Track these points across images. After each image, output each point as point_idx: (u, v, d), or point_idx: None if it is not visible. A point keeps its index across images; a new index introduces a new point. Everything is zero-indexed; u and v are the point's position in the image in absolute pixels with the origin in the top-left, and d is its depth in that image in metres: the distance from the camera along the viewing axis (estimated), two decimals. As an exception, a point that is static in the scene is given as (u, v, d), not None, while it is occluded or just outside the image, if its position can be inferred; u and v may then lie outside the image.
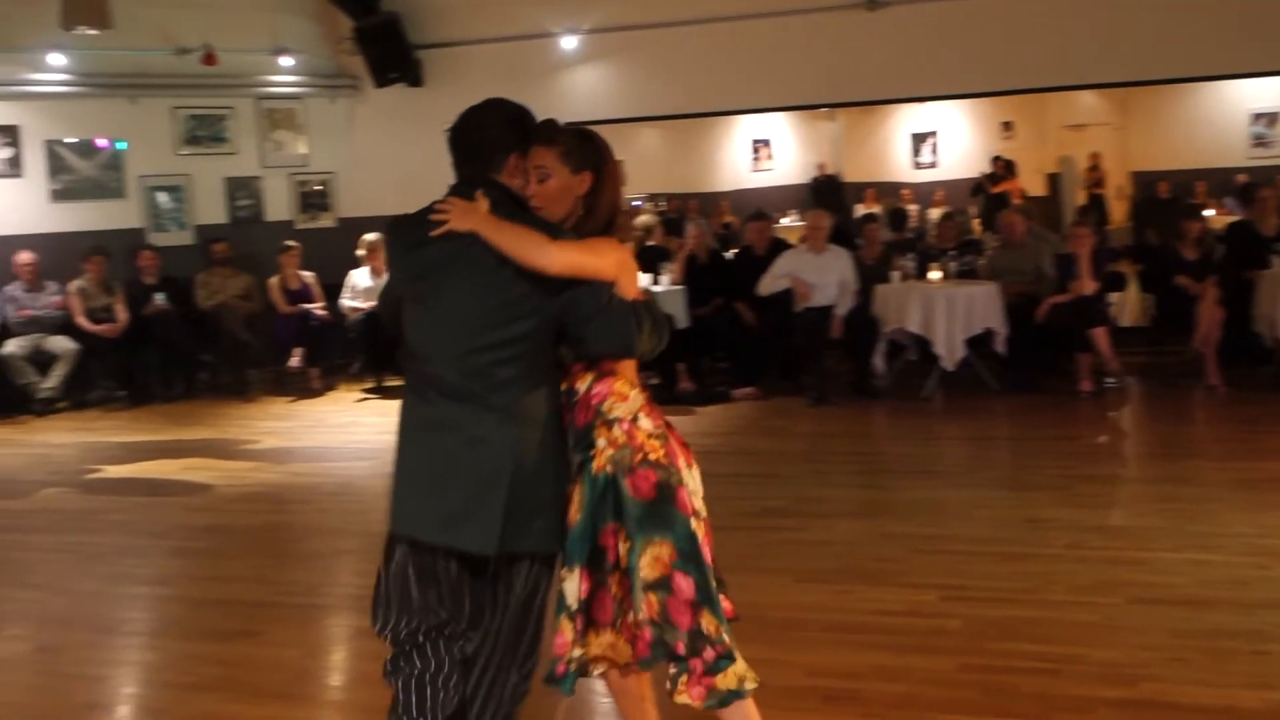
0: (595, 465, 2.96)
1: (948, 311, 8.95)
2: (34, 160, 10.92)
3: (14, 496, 7.48)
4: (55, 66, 10.68)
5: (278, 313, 10.94)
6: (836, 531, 5.87)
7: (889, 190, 18.07)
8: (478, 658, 3.08)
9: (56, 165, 11.03)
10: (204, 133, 11.67)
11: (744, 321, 9.69)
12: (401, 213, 3.10)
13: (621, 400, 2.98)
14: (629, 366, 3.03)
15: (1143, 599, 4.67)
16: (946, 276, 9.45)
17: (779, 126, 19.09)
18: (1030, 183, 17.11)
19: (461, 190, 2.97)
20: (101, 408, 10.39)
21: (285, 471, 7.87)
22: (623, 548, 2.95)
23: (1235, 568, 5.01)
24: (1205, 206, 13.44)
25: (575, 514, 2.98)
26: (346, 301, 10.77)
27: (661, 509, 2.93)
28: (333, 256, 11.19)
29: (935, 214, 14.96)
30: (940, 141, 19.35)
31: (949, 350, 8.97)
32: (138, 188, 11.40)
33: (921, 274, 9.60)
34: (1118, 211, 17.41)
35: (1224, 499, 6.12)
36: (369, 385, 10.76)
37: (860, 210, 16.69)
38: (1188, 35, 9.70)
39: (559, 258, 2.83)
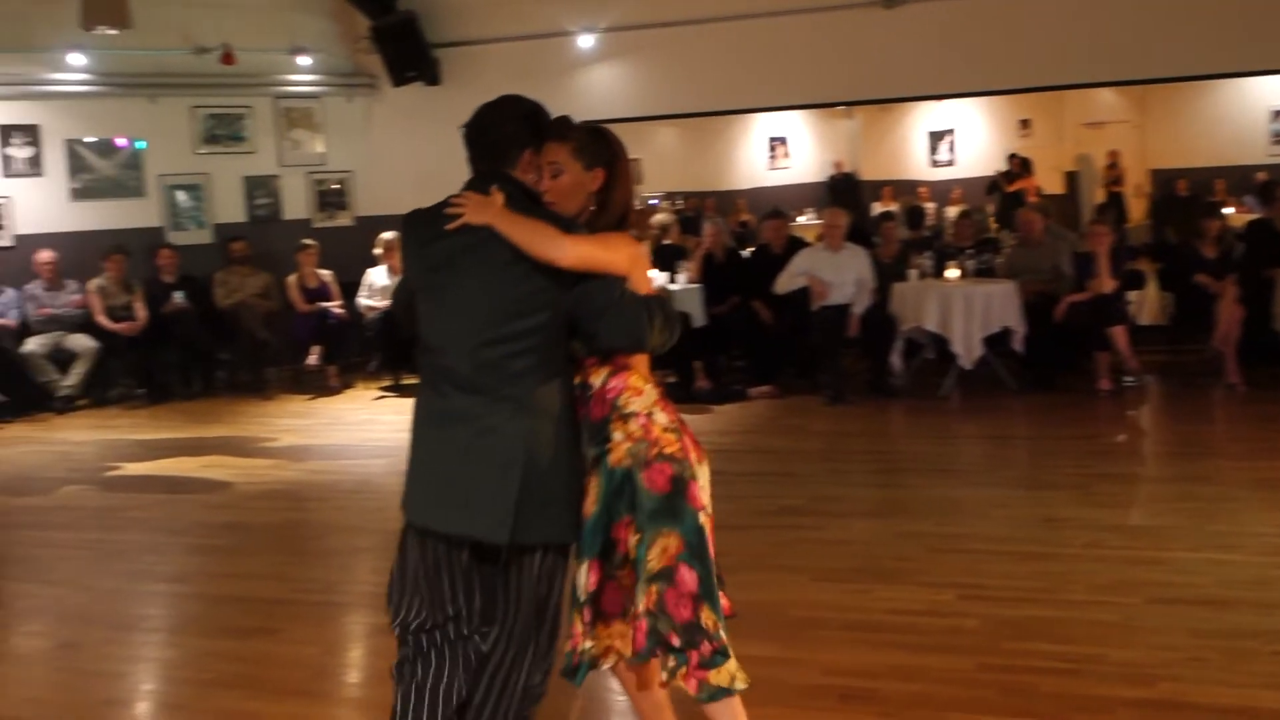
0: (612, 458, 2.99)
1: (965, 310, 8.92)
2: (54, 159, 10.98)
3: (35, 493, 7.53)
4: (75, 66, 10.74)
5: (296, 311, 10.99)
6: (853, 530, 5.86)
7: (906, 188, 18.02)
8: (491, 655, 3.07)
9: (76, 164, 11.09)
10: (222, 132, 11.72)
11: (761, 320, 9.68)
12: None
13: (637, 395, 3.01)
14: (642, 361, 3.06)
15: (1162, 599, 4.65)
16: (964, 275, 9.42)
17: (796, 124, 19.06)
18: (1048, 181, 17.04)
19: (476, 185, 3.01)
20: (121, 405, 10.45)
21: (303, 469, 7.90)
22: (632, 540, 2.97)
23: (1255, 567, 4.98)
24: (1224, 204, 13.37)
25: (590, 506, 3.00)
26: (363, 300, 10.80)
27: (674, 502, 2.97)
28: (350, 255, 11.23)
29: (952, 212, 14.93)
30: (957, 139, 19.29)
31: (966, 349, 8.95)
32: (157, 187, 11.45)
33: (939, 272, 9.57)
34: (1136, 209, 17.33)
35: (1244, 498, 6.09)
36: (386, 383, 10.79)
37: (877, 208, 16.67)
38: (1207, 32, 9.64)
39: (572, 251, 2.87)
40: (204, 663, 4.56)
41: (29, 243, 10.64)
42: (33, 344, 10.15)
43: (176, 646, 4.84)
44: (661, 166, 17.04)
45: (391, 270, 10.60)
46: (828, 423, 8.65)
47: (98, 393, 10.55)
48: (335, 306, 10.98)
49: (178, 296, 10.69)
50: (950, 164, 19.30)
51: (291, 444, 8.66)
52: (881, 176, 18.63)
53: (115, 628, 5.02)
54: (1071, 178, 17.66)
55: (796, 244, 10.06)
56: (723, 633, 3.01)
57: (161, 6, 10.40)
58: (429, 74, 11.76)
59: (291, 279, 11.04)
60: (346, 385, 10.86)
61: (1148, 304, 10.50)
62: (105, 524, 6.74)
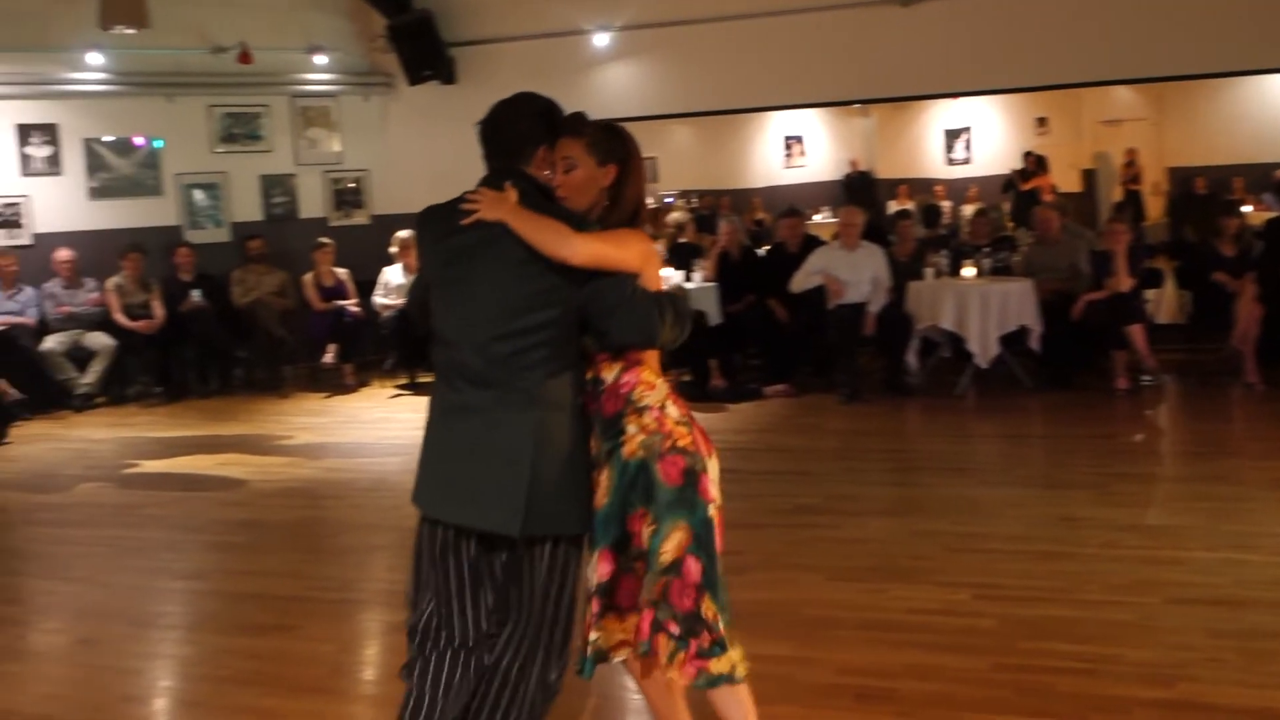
0: (626, 451, 3.02)
1: (981, 308, 8.90)
2: (72, 158, 11.03)
3: (53, 491, 7.57)
4: (94, 65, 10.79)
5: (312, 309, 11.02)
6: (869, 529, 5.85)
7: (922, 186, 17.97)
8: (504, 654, 3.08)
9: (95, 163, 11.15)
10: (239, 131, 11.76)
11: (776, 318, 9.67)
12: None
13: (650, 389, 3.05)
14: (653, 356, 3.11)
15: (1180, 599, 4.63)
16: (980, 273, 9.39)
17: (811, 123, 19.04)
18: (1065, 179, 16.97)
19: (491, 181, 3.05)
20: (139, 403, 10.50)
21: (319, 467, 7.92)
22: (647, 531, 3.00)
23: (1273, 567, 4.96)
24: (1243, 202, 13.30)
25: (602, 498, 3.04)
26: (379, 299, 10.82)
27: (686, 494, 3.02)
28: (366, 253, 11.26)
29: (969, 210, 14.89)
30: (974, 138, 19.23)
31: (983, 347, 8.92)
32: (174, 185, 11.50)
33: (955, 271, 9.54)
34: (1154, 207, 17.25)
35: (1262, 498, 6.06)
36: (402, 381, 10.82)
37: (893, 207, 16.63)
38: (1225, 30, 9.58)
39: (582, 249, 2.90)
40: (221, 659, 4.59)
41: (47, 241, 10.70)
42: (51, 342, 10.21)
43: (193, 643, 4.86)
44: (677, 165, 17.05)
45: (407, 269, 10.61)
46: (843, 421, 8.63)
47: (115, 390, 10.60)
48: (351, 305, 11.01)
49: (195, 295, 10.73)
50: (966, 162, 19.24)
51: (308, 442, 8.68)
52: (897, 175, 18.58)
53: (133, 624, 5.04)
54: (1089, 176, 17.59)
55: (812, 242, 10.04)
56: (722, 625, 3.03)
57: (179, 6, 10.44)
58: (445, 73, 11.78)
59: (308, 277, 11.07)
60: (362, 383, 10.89)
61: (1165, 302, 10.45)
62: (123, 521, 6.78)
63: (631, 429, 3.02)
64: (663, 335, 3.01)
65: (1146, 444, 7.80)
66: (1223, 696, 3.75)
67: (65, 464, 8.30)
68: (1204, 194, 15.40)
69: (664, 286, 3.13)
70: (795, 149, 19.12)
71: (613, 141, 3.10)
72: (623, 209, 3.09)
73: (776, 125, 18.76)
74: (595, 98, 10.67)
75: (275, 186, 11.96)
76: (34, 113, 10.83)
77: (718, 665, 3.02)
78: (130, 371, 10.68)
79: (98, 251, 10.68)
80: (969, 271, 9.38)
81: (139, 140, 11.32)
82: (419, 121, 12.00)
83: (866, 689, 3.93)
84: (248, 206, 11.82)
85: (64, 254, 10.50)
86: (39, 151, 10.89)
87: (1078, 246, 9.54)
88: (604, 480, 3.04)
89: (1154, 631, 4.32)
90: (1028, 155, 16.56)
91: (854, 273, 9.24)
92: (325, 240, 11.22)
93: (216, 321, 10.77)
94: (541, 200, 3.02)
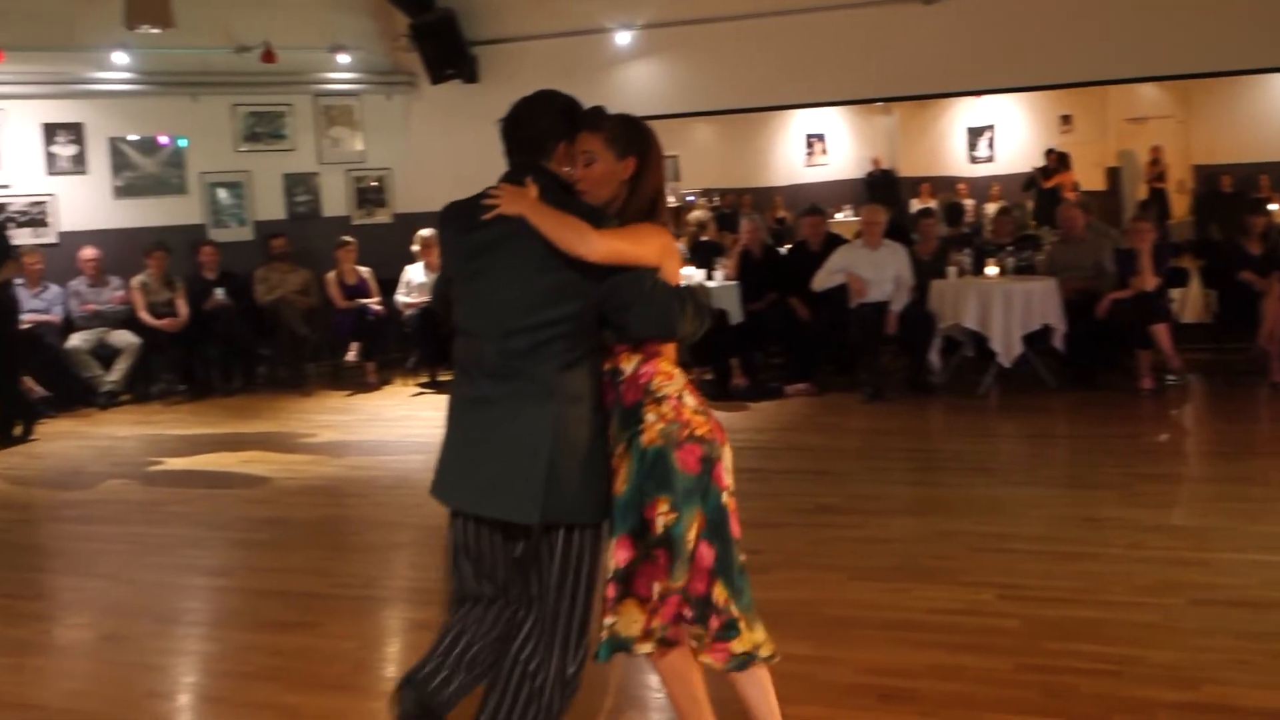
0: (645, 439, 3.06)
1: (1005, 307, 8.86)
2: (98, 157, 11.10)
3: (79, 488, 7.63)
4: (119, 65, 10.85)
5: (335, 307, 11.07)
6: (892, 529, 5.83)
7: (945, 185, 17.91)
8: (524, 646, 3.11)
9: (120, 162, 11.22)
10: (263, 130, 11.82)
11: (798, 317, 9.65)
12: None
13: (668, 379, 3.11)
14: (671, 348, 3.16)
15: (1205, 600, 4.60)
16: (1003, 272, 9.35)
17: (833, 121, 18.99)
18: (1090, 177, 16.88)
19: (513, 177, 3.10)
20: (163, 401, 10.56)
21: (342, 465, 7.95)
22: (668, 518, 3.04)
23: (1301, 569, 4.92)
24: (1270, 200, 13.18)
25: (621, 485, 3.08)
26: (402, 297, 10.85)
27: (703, 482, 3.07)
28: (389, 252, 11.30)
29: (992, 209, 14.83)
30: (997, 136, 19.15)
31: (1006, 347, 8.88)
32: (199, 184, 11.56)
33: (978, 269, 9.51)
34: (1179, 206, 17.14)
35: (1289, 499, 6.01)
36: (424, 380, 10.85)
37: (916, 205, 16.58)
38: (1251, 26, 9.51)
39: (599, 246, 2.94)
40: (244, 656, 4.61)
41: (73, 240, 10.77)
42: (76, 340, 10.28)
43: (217, 640, 4.88)
44: (699, 163, 17.05)
45: (429, 267, 10.64)
46: (865, 420, 8.61)
47: (140, 388, 10.67)
48: (374, 303, 11.05)
49: (219, 293, 10.78)
50: (990, 160, 19.16)
51: (330, 440, 8.72)
52: (920, 173, 18.53)
53: (157, 620, 5.07)
54: (1113, 174, 17.49)
55: (834, 241, 10.02)
56: (734, 608, 3.10)
57: (203, 5, 10.50)
58: (467, 71, 11.80)
59: (331, 276, 11.12)
60: (385, 381, 10.92)
61: (1191, 301, 10.38)
62: (147, 518, 6.82)
63: (650, 417, 3.07)
64: (682, 328, 3.06)
65: (1171, 444, 7.74)
66: (1248, 699, 3.72)
67: (90, 461, 8.36)
68: (1230, 192, 15.29)
69: (683, 280, 3.17)
70: (817, 147, 19.09)
71: (631, 134, 3.14)
72: (640, 200, 3.13)
73: (798, 123, 18.73)
74: (617, 96, 10.66)
75: (298, 185, 12.01)
76: (60, 112, 10.91)
77: (739, 646, 3.11)
78: (154, 369, 10.74)
79: (123, 250, 10.75)
80: (992, 270, 9.34)
81: (164, 139, 11.39)
82: (441, 120, 12.03)
83: (889, 689, 3.92)
84: (271, 205, 11.87)
85: (89, 252, 10.57)
86: (65, 150, 10.97)
87: (1102, 245, 9.48)
88: (623, 468, 3.08)
89: (1179, 633, 4.28)
90: (1049, 153, 16.48)
91: (876, 271, 9.22)
92: (348, 239, 11.27)
93: (240, 320, 10.82)
94: (562, 195, 3.06)
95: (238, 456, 8.21)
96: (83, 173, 11.04)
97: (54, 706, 4.23)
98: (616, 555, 3.06)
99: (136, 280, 10.62)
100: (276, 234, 11.36)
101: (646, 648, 3.09)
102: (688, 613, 3.07)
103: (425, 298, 10.47)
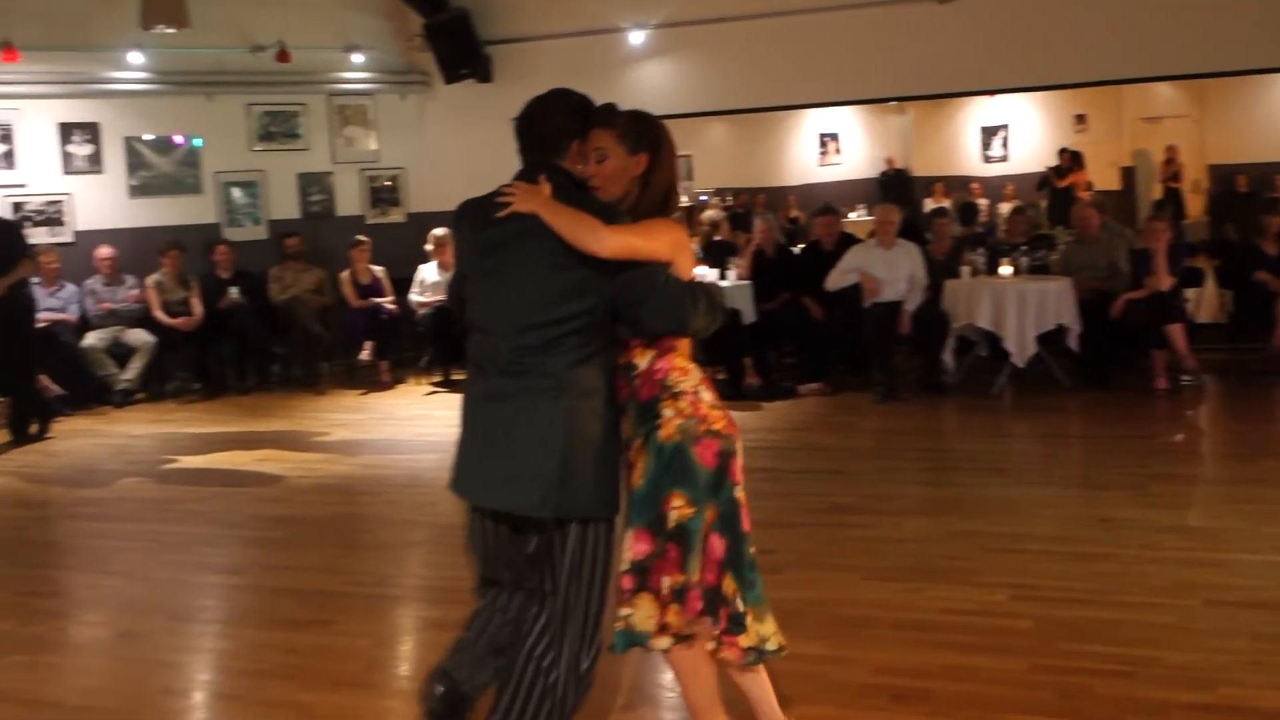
0: (662, 434, 3.09)
1: (1019, 307, 8.83)
2: (113, 156, 11.15)
3: (94, 485, 7.66)
4: (134, 65, 10.90)
5: (348, 307, 11.09)
6: (905, 529, 5.82)
7: (958, 184, 17.86)
8: (539, 641, 3.13)
9: (135, 161, 11.26)
10: (277, 129, 11.85)
11: (811, 317, 9.64)
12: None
13: (684, 375, 3.14)
14: (686, 343, 3.19)
15: (1220, 601, 4.58)
16: (1017, 271, 9.33)
17: (847, 120, 18.96)
18: (1105, 176, 16.82)
19: (526, 175, 3.13)
20: (178, 399, 10.60)
21: (356, 463, 7.96)
22: (683, 513, 3.07)
23: (1317, 571, 4.89)
24: (1286, 200, 13.12)
25: (638, 479, 3.12)
26: (415, 296, 10.87)
27: (719, 477, 3.12)
28: (402, 251, 11.33)
29: (1006, 208, 14.79)
30: (1011, 135, 19.09)
31: (1020, 347, 8.85)
32: (213, 183, 11.60)
33: (992, 269, 9.49)
34: (1194, 205, 17.07)
35: (1305, 500, 5.98)
36: (437, 379, 10.86)
37: (929, 205, 16.54)
38: (1267, 25, 9.46)
39: (610, 242, 2.97)
40: (258, 654, 4.62)
41: (89, 239, 10.82)
42: (92, 338, 10.32)
43: (232, 637, 4.90)
44: (712, 163, 17.04)
45: (443, 266, 10.66)
46: (879, 420, 8.59)
47: (155, 387, 10.71)
48: (387, 302, 11.08)
49: (233, 292, 10.82)
50: (1004, 160, 19.10)
51: (344, 438, 8.74)
52: (934, 172, 18.48)
53: (172, 618, 5.09)
54: (1128, 173, 17.42)
55: (848, 240, 10.00)
56: (743, 603, 3.14)
57: (218, 5, 10.53)
58: (481, 71, 11.81)
59: (344, 275, 11.14)
60: (398, 380, 10.95)
61: (1206, 301, 10.34)
62: (162, 516, 6.85)
63: (668, 413, 3.10)
64: (695, 322, 3.09)
65: (1186, 445, 7.71)
66: (1264, 701, 3.71)
67: (106, 459, 8.40)
68: (1245, 192, 15.23)
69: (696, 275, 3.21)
70: (831, 147, 19.05)
71: (643, 130, 3.18)
72: (652, 195, 3.17)
73: (812, 123, 18.69)
74: (630, 95, 10.62)
75: (313, 184, 12.04)
76: (76, 111, 10.96)
77: (745, 640, 3.16)
78: (169, 368, 10.78)
79: (138, 249, 10.80)
80: (1006, 270, 9.32)
81: (179, 139, 11.43)
82: (455, 120, 12.05)
83: (902, 689, 3.91)
84: (285, 204, 11.91)
85: (105, 251, 10.62)
86: (81, 150, 11.02)
87: (1117, 245, 9.44)
88: (641, 462, 3.11)
89: (1194, 634, 4.27)
90: (1063, 152, 16.43)
91: (890, 271, 9.20)
92: (362, 238, 11.29)
93: (254, 318, 10.85)
94: (575, 192, 3.09)
95: (252, 455, 8.24)
96: (98, 172, 11.09)
97: (69, 703, 4.25)
98: (635, 548, 3.09)
99: (152, 279, 10.66)
100: (291, 233, 11.38)
101: (663, 643, 3.11)
102: (698, 604, 3.11)
103: (439, 297, 10.50)
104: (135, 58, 10.81)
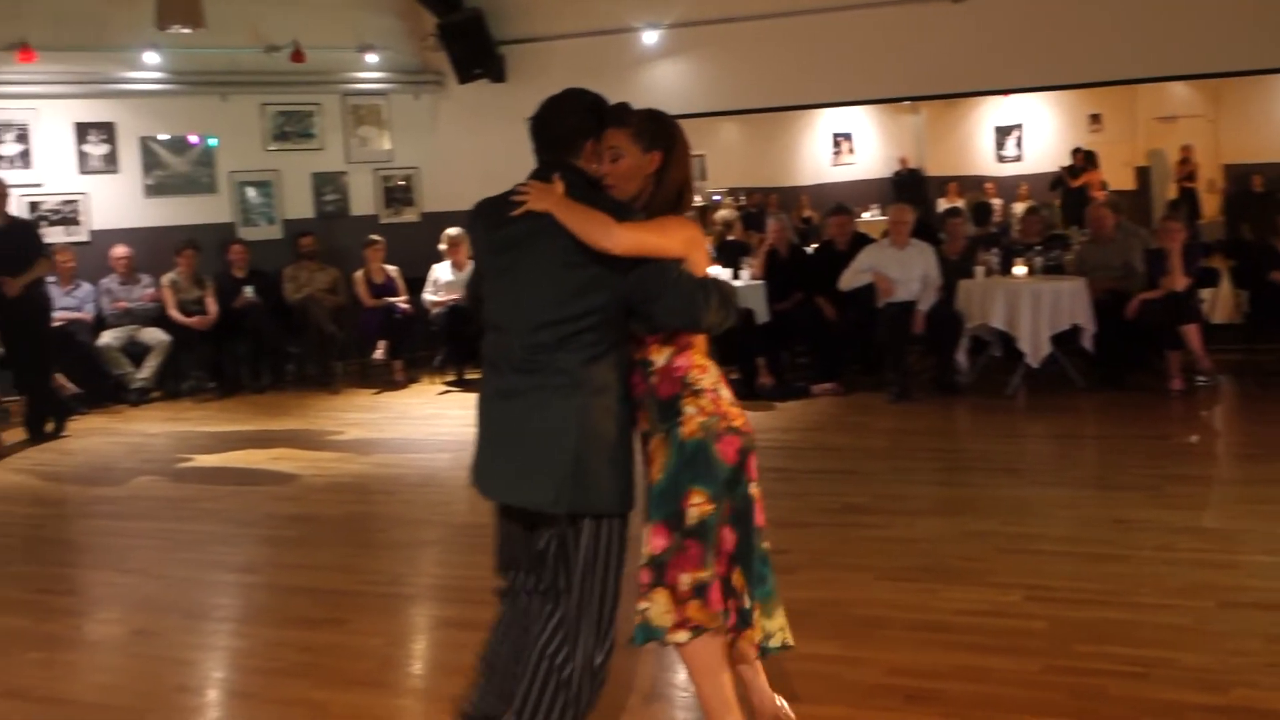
0: (685, 431, 3.12)
1: (1033, 307, 8.81)
2: (129, 156, 11.19)
3: (110, 484, 7.70)
4: (150, 65, 10.94)
5: (362, 306, 11.12)
6: (918, 529, 5.80)
7: (972, 184, 17.81)
8: (552, 638, 3.14)
9: (150, 161, 11.30)
10: (292, 129, 11.89)
11: (825, 316, 9.63)
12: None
13: (703, 372, 3.18)
14: (702, 340, 3.22)
15: (1235, 603, 4.56)
16: (1031, 271, 9.30)
17: (860, 120, 18.93)
18: (1119, 176, 16.76)
19: (541, 175, 3.16)
20: (192, 398, 10.64)
21: (370, 462, 7.98)
22: (704, 509, 3.10)
23: (1333, 572, 4.87)
24: (1302, 200, 13.06)
25: (657, 474, 3.15)
26: (429, 295, 10.89)
27: (738, 473, 3.16)
28: (416, 250, 11.34)
29: (1020, 208, 14.74)
30: (1025, 134, 19.04)
31: (1034, 347, 8.83)
32: (228, 183, 11.64)
33: (1006, 269, 9.46)
34: (1209, 205, 17.00)
35: (1321, 501, 5.95)
36: (451, 378, 10.88)
37: (943, 204, 16.51)
38: (1285, 24, 9.43)
39: (621, 240, 2.99)
40: (272, 652, 4.64)
41: (104, 238, 10.87)
42: (107, 337, 10.37)
43: (246, 635, 4.92)
44: (725, 163, 17.03)
45: (456, 266, 10.68)
46: (892, 420, 8.58)
47: (170, 385, 10.75)
48: (401, 301, 11.10)
49: (248, 291, 10.85)
50: (1018, 159, 19.05)
51: (358, 437, 8.76)
52: (947, 172, 18.44)
53: (187, 616, 5.11)
54: (1143, 173, 17.36)
55: (861, 240, 9.99)
56: (748, 597, 3.20)
57: (233, 5, 10.58)
58: (495, 71, 11.83)
59: (358, 274, 11.17)
60: (412, 380, 10.97)
61: (1221, 302, 10.30)
62: (177, 514, 6.87)
63: (690, 410, 3.13)
64: (708, 318, 3.10)
65: (1201, 446, 7.68)
66: (1279, 703, 3.69)
67: (121, 458, 8.43)
68: (1261, 191, 15.16)
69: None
70: (844, 146, 19.03)
71: (656, 128, 3.21)
72: (666, 192, 3.20)
73: (825, 122, 18.67)
74: (644, 95, 10.59)
75: (327, 184, 12.07)
76: (92, 111, 11.00)
77: (752, 635, 3.24)
78: (184, 367, 10.82)
79: (153, 248, 10.84)
80: (1020, 270, 9.29)
81: (194, 138, 11.47)
82: (469, 119, 12.06)
83: (915, 690, 3.90)
84: (300, 204, 11.94)
85: (120, 250, 10.66)
86: (96, 150, 11.07)
87: (1132, 245, 9.41)
88: (660, 457, 3.15)
89: (1209, 636, 4.25)
90: (1076, 151, 16.38)
91: (903, 271, 9.19)
92: (376, 237, 11.32)
93: (269, 318, 10.88)
94: (589, 191, 3.12)
95: (266, 453, 8.27)
96: (114, 172, 11.13)
97: (85, 701, 4.27)
98: (653, 542, 3.12)
99: (167, 278, 10.70)
100: (305, 233, 11.41)
101: (679, 637, 3.12)
102: (720, 597, 3.14)
103: (452, 296, 10.52)
104: (151, 58, 10.86)
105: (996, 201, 16.57)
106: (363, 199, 12.22)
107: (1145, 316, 8.73)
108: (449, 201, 11.53)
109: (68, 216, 10.92)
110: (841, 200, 12.38)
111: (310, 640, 4.70)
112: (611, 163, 3.16)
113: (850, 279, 9.37)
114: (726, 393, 3.20)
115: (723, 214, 11.89)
